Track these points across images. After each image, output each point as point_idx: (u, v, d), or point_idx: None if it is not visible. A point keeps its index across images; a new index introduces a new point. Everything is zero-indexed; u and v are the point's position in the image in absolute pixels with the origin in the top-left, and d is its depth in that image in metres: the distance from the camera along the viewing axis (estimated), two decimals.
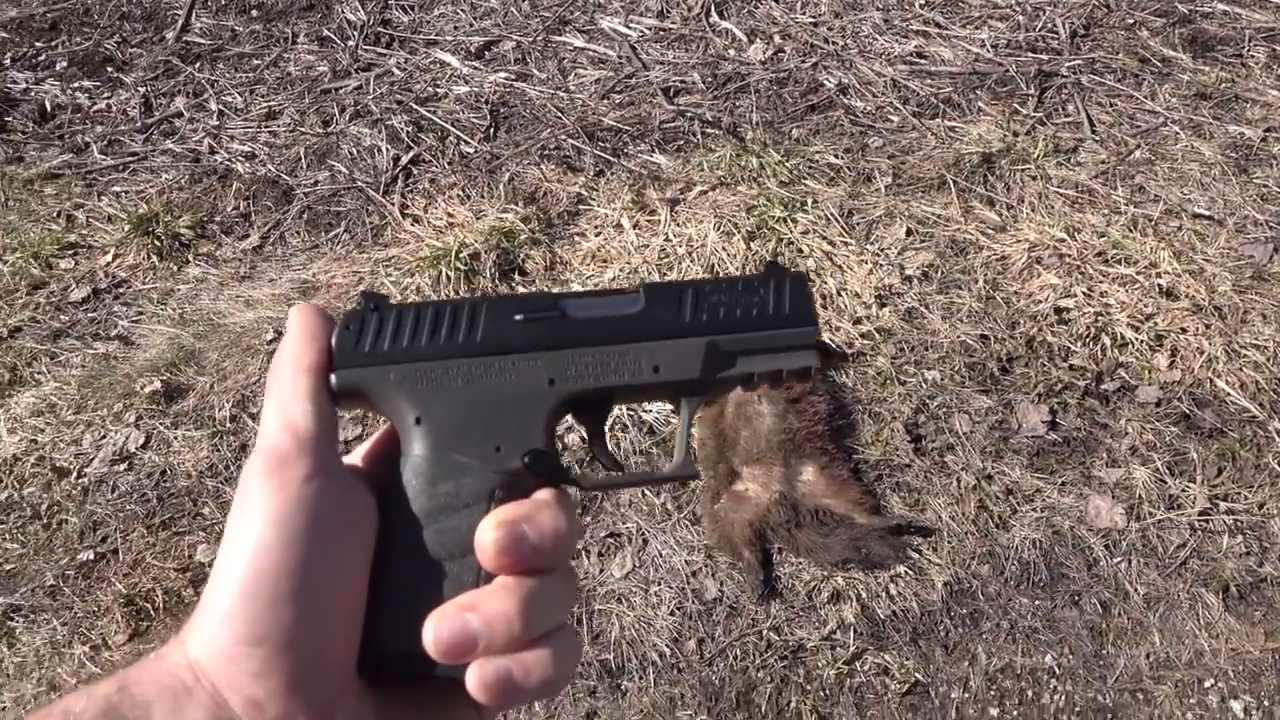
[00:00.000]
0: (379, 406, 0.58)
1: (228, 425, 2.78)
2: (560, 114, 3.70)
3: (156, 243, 3.37)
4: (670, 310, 0.61)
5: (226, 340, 3.02)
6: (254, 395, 2.85)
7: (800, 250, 3.02)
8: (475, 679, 0.51)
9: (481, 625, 0.51)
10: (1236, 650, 2.25)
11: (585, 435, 0.62)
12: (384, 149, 3.65)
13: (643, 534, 2.46)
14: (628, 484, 0.66)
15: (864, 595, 2.34)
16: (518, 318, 0.60)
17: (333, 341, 0.58)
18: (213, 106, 3.97)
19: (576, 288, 3.01)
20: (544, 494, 0.57)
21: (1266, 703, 2.18)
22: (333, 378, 0.57)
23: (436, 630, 0.51)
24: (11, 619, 2.43)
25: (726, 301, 0.62)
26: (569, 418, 0.61)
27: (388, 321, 0.59)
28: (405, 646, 0.53)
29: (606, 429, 0.68)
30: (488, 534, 0.53)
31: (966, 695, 2.23)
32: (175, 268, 3.34)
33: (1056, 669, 2.25)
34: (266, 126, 3.88)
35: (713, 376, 0.61)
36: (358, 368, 0.58)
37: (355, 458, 0.61)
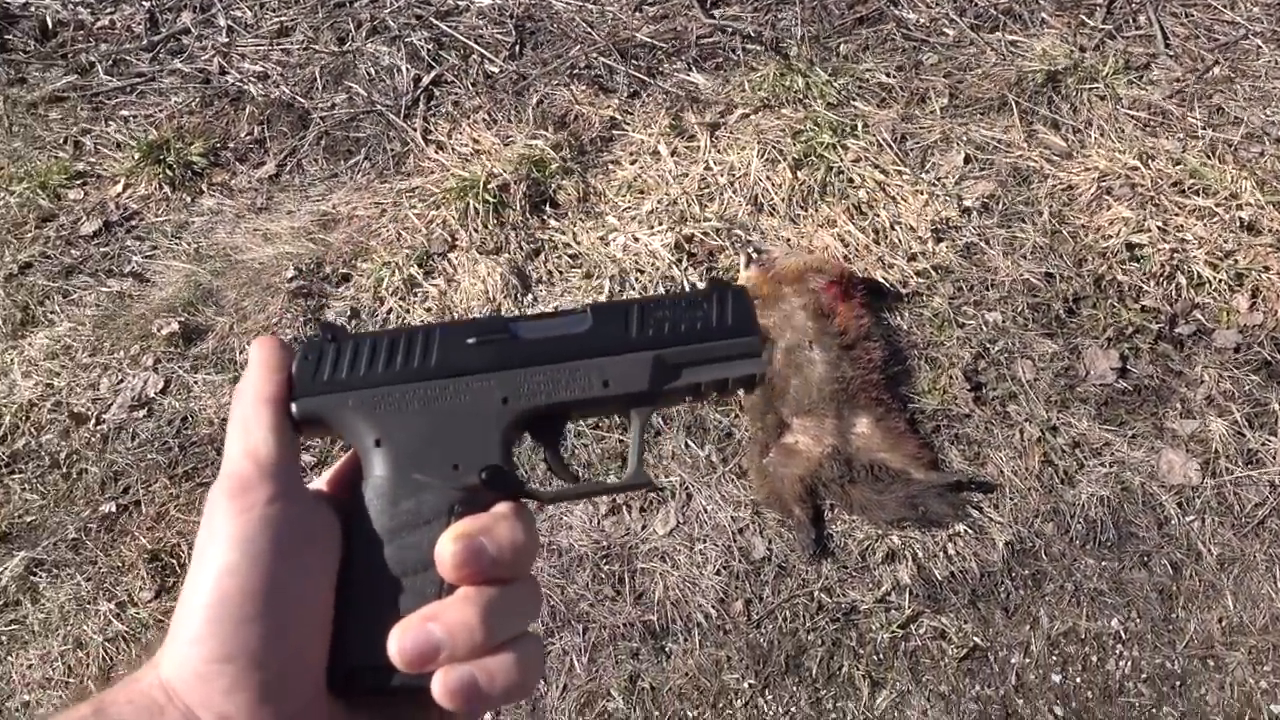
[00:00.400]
0: (339, 432, 0.61)
1: None
2: (590, 29, 3.46)
3: (169, 172, 3.21)
4: (617, 327, 0.64)
5: (245, 277, 2.88)
6: (276, 336, 2.72)
7: (851, 180, 2.82)
8: (440, 686, 0.53)
9: (444, 634, 0.53)
10: None
11: (543, 451, 0.64)
12: (404, 69, 3.44)
13: (686, 488, 2.34)
14: (583, 494, 0.69)
15: (920, 555, 2.22)
16: (470, 341, 0.62)
17: (293, 371, 0.60)
18: (221, 22, 3.76)
19: (611, 220, 2.84)
20: (502, 507, 0.58)
21: None
22: (293, 406, 0.59)
23: (400, 641, 0.53)
24: (34, 574, 2.35)
25: (671, 317, 0.64)
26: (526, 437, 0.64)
27: (345, 350, 0.61)
28: (371, 659, 0.55)
29: (562, 445, 0.71)
30: (446, 547, 0.55)
31: (1027, 660, 2.13)
32: (189, 199, 3.18)
33: (1123, 633, 2.14)
34: (278, 44, 3.66)
35: (660, 388, 0.63)
36: (317, 395, 0.60)
37: (319, 484, 0.63)
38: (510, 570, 0.56)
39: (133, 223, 3.12)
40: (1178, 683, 2.09)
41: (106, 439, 2.56)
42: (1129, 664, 2.11)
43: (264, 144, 3.35)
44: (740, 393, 0.65)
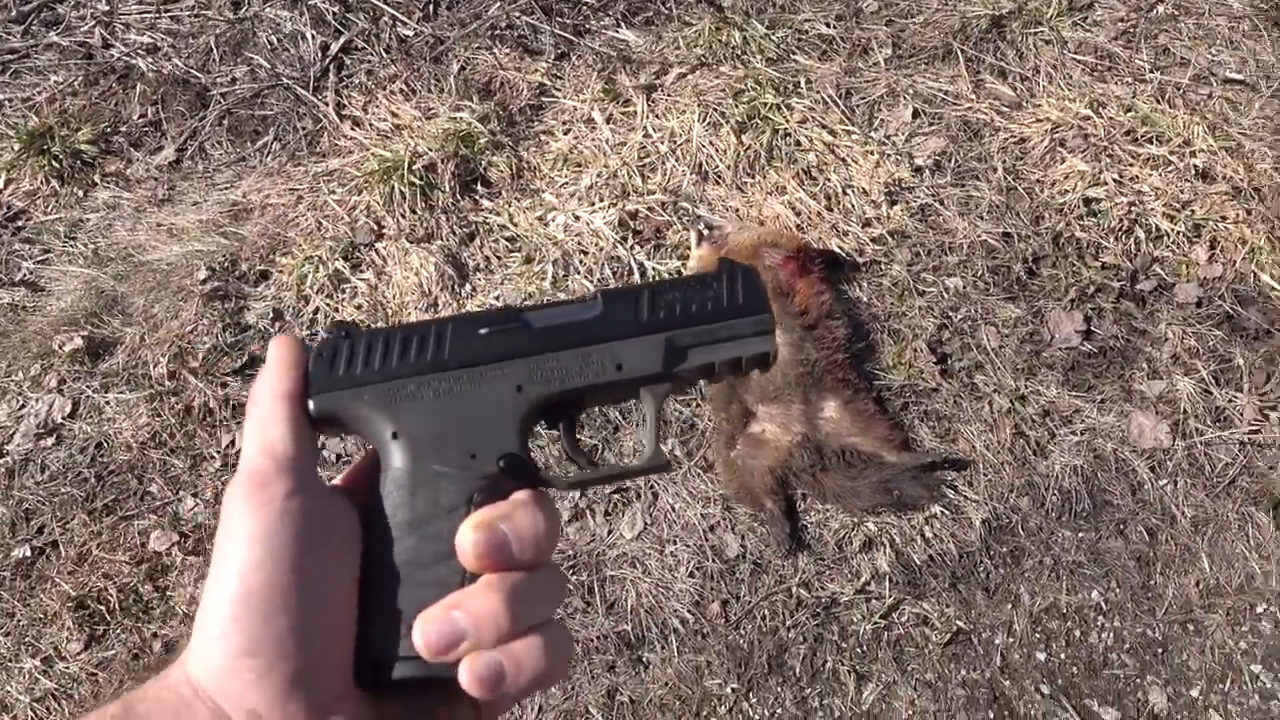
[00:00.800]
0: (356, 427, 0.61)
1: (166, 384, 2.45)
2: None
3: (55, 163, 2.92)
4: (627, 311, 0.64)
5: (152, 281, 2.64)
6: (192, 346, 2.50)
7: (799, 143, 2.68)
8: (468, 674, 0.53)
9: (468, 622, 0.53)
10: None
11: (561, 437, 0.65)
12: (309, 35, 3.17)
13: (651, 487, 2.23)
14: (602, 479, 0.70)
15: (898, 541, 2.16)
16: (482, 331, 0.62)
17: (309, 368, 0.60)
18: None
19: (549, 197, 2.67)
20: (521, 495, 0.58)
21: None
22: (310, 403, 0.60)
23: (424, 631, 0.53)
24: None
25: (681, 298, 0.65)
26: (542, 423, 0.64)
27: (359, 346, 0.62)
28: (397, 651, 0.55)
29: (577, 430, 0.69)
30: (467, 536, 0.55)
31: (1011, 640, 2.09)
32: (80, 193, 2.91)
33: (1104, 604, 2.11)
34: (166, 10, 3.35)
35: (673, 369, 0.63)
36: (334, 391, 0.60)
37: (337, 481, 0.63)
38: (532, 557, 0.56)
39: (19, 223, 2.84)
40: (1159, 650, 2.07)
41: (12, 474, 2.33)
42: (1111, 635, 2.09)
43: (160, 126, 3.07)
44: (755, 372, 0.65)
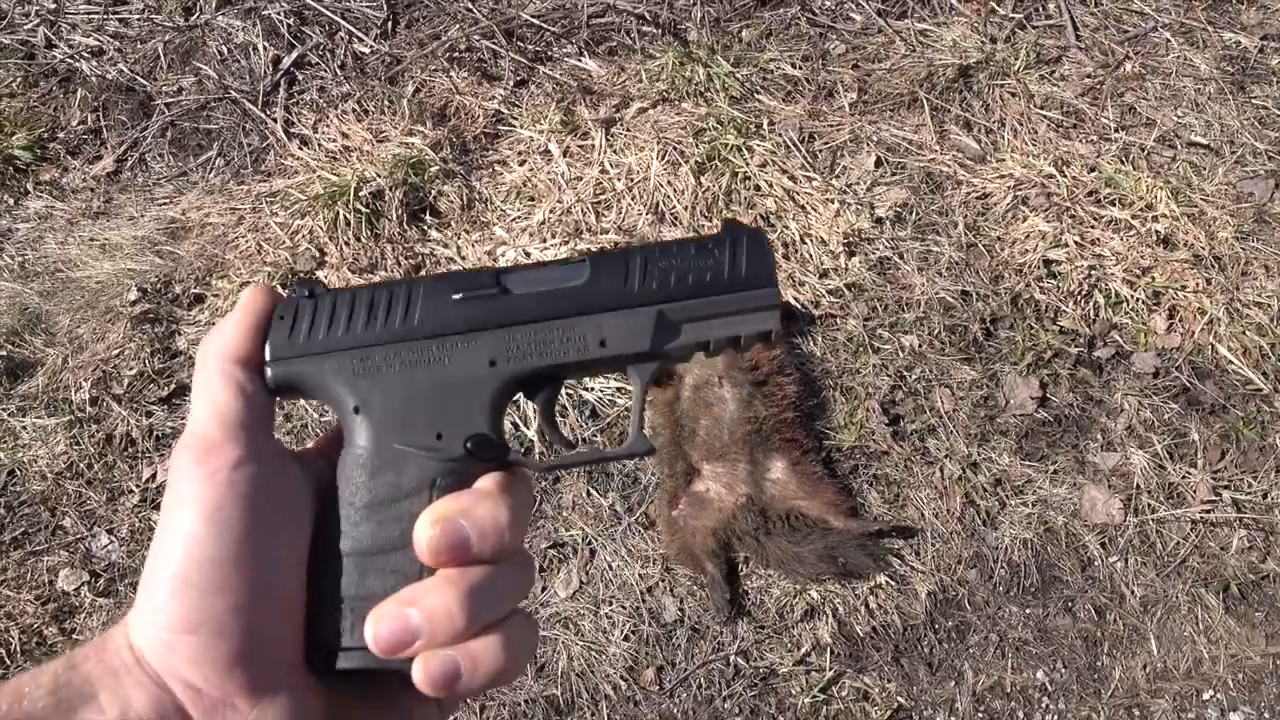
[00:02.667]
0: (318, 396, 0.57)
1: (87, 410, 2.33)
2: (470, 4, 3.14)
3: None
4: (616, 279, 0.58)
5: (80, 300, 2.52)
6: (117, 371, 2.38)
7: (758, 187, 2.62)
8: (420, 672, 0.51)
9: (422, 620, 0.51)
10: (1236, 656, 2.08)
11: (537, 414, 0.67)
12: (260, 47, 3.06)
13: (589, 543, 2.14)
14: (580, 462, 0.64)
15: (841, 610, 2.08)
16: (455, 297, 0.57)
17: (269, 331, 0.56)
18: None
19: (499, 231, 2.58)
20: (486, 483, 0.55)
21: (1267, 713, 2.03)
22: (268, 370, 0.56)
23: (376, 629, 0.51)
24: None
25: (678, 266, 0.59)
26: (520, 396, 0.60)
27: (322, 309, 0.57)
28: (349, 641, 0.53)
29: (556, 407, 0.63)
30: (424, 531, 0.53)
31: (953, 719, 2.02)
32: (11, 200, 2.78)
33: (1049, 685, 2.06)
34: (115, 13, 3.22)
35: (663, 347, 0.58)
36: (293, 359, 0.56)
37: (310, 444, 0.61)
38: (495, 552, 0.53)
39: None
40: None
41: None
42: (1055, 718, 2.03)
43: (100, 135, 2.94)
44: (754, 348, 0.59)
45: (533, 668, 2.02)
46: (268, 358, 0.56)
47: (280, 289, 0.59)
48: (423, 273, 2.52)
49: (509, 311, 0.58)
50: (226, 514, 0.51)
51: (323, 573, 0.54)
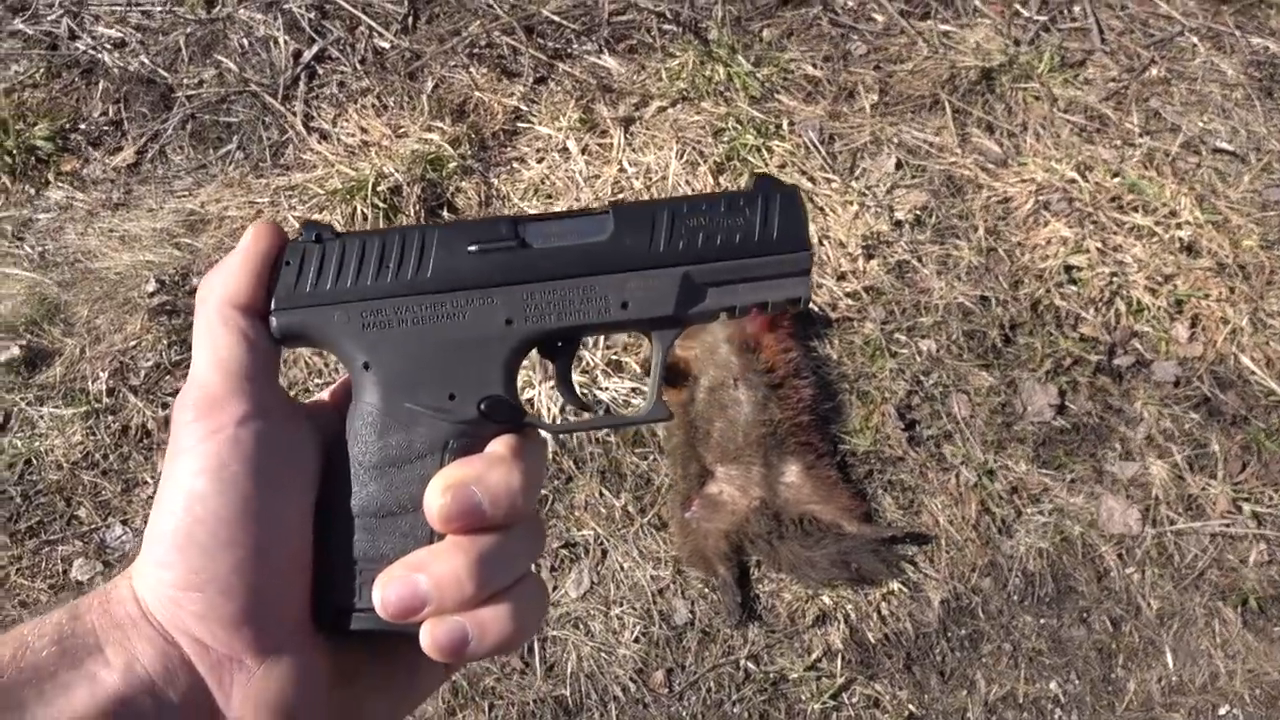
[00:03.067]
0: (326, 347, 0.55)
1: (104, 401, 2.34)
2: (492, 0, 3.14)
3: (8, 159, 2.80)
4: (641, 236, 0.56)
5: (99, 291, 2.53)
6: (134, 363, 2.39)
7: None
8: (428, 638, 0.50)
9: (431, 587, 0.50)
10: (1254, 671, 2.05)
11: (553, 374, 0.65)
12: (282, 41, 3.06)
13: (601, 544, 2.13)
14: (596, 426, 0.60)
15: (853, 616, 2.07)
16: (471, 248, 0.55)
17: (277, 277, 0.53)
18: None
19: None
20: (499, 447, 0.54)
21: None
22: (272, 320, 0.53)
23: (384, 593, 0.51)
24: None
25: (706, 225, 0.56)
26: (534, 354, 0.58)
27: (331, 255, 0.54)
28: (357, 601, 0.52)
29: (573, 368, 0.61)
30: (435, 499, 0.51)
31: None
32: (32, 191, 2.79)
33: (1062, 697, 2.04)
34: (137, 4, 3.23)
35: (687, 311, 0.56)
36: (300, 309, 0.53)
37: (323, 395, 0.59)
38: (506, 518, 0.52)
39: None
40: None
41: None
42: None
43: (121, 126, 2.95)
44: (783, 312, 0.54)
45: (542, 667, 2.02)
46: (273, 306, 0.54)
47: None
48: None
49: (528, 267, 0.55)
50: (232, 471, 0.50)
51: (332, 532, 0.53)
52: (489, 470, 0.52)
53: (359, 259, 0.55)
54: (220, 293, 0.54)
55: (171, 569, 0.50)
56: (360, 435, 0.53)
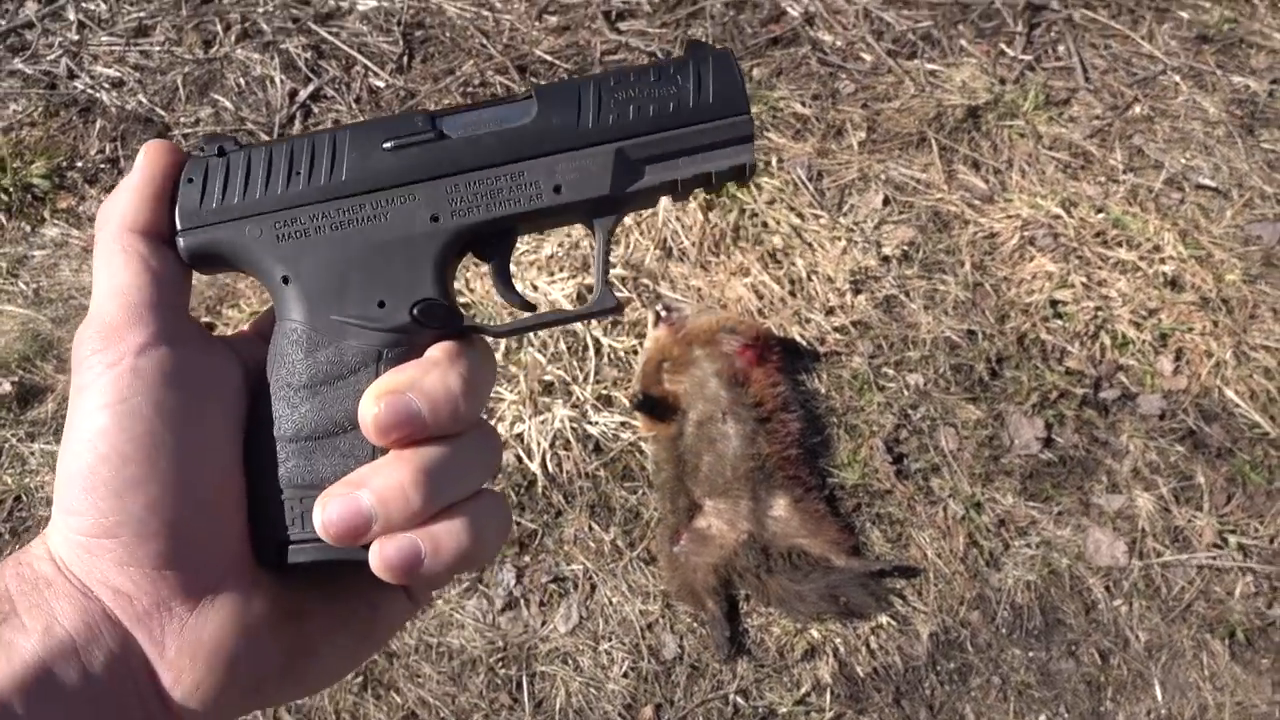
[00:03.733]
0: (242, 268, 0.52)
1: None
2: (485, 40, 3.19)
3: (4, 196, 2.83)
4: (568, 115, 0.53)
5: None
6: None
7: (765, 224, 2.63)
8: (378, 559, 0.47)
9: (374, 502, 0.47)
10: (1242, 704, 2.05)
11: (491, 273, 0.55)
12: (278, 80, 3.11)
13: (590, 578, 2.14)
14: (541, 325, 0.56)
15: (842, 650, 2.07)
16: (386, 145, 0.52)
17: (178, 194, 0.51)
18: (71, 16, 3.35)
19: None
20: (436, 351, 0.51)
21: None
22: (179, 241, 0.50)
23: (325, 513, 0.47)
24: None
25: (636, 96, 0.53)
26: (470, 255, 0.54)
27: (237, 167, 0.51)
28: (298, 533, 0.49)
29: (513, 276, 0.59)
30: (368, 409, 0.48)
31: None
32: (28, 228, 2.82)
33: None
34: (136, 44, 3.29)
35: (625, 190, 0.53)
36: (207, 227, 0.50)
37: (245, 327, 0.56)
38: (450, 423, 0.49)
39: None
40: None
41: None
42: None
43: (117, 164, 2.99)
44: (729, 185, 0.53)
45: (531, 703, 2.02)
46: (178, 226, 0.51)
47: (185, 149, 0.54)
48: None
49: (449, 159, 0.52)
50: (132, 406, 0.47)
51: (263, 462, 0.50)
52: (424, 375, 0.49)
53: (267, 168, 0.51)
54: (117, 219, 0.50)
55: (81, 514, 0.46)
56: (286, 355, 0.51)
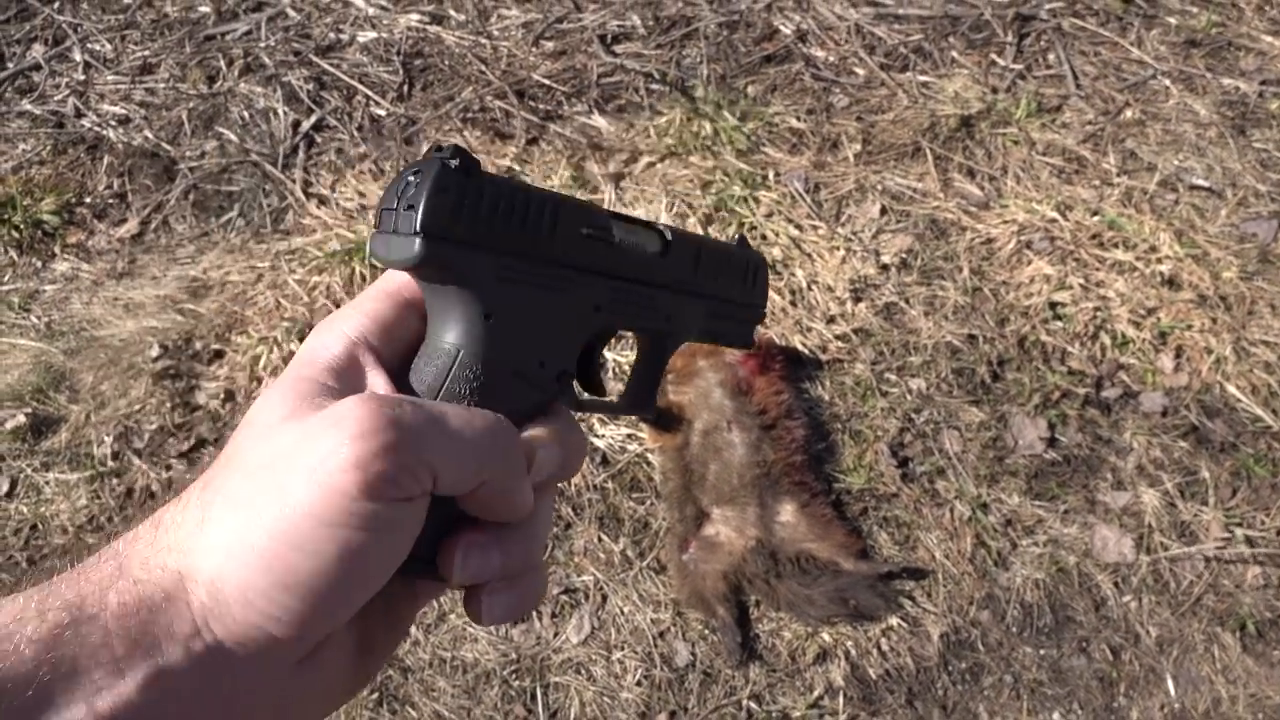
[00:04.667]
0: (450, 285, 0.52)
1: (109, 465, 2.38)
2: (484, 67, 3.25)
3: (15, 233, 2.88)
4: (686, 263, 0.62)
5: (103, 358, 2.58)
6: (138, 426, 2.44)
7: (765, 236, 2.67)
8: (485, 611, 0.50)
9: (501, 563, 0.50)
10: (1256, 696, 2.05)
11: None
12: (281, 112, 3.17)
13: (600, 588, 2.15)
14: (603, 410, 0.63)
15: (853, 653, 2.08)
16: (584, 231, 0.56)
17: (427, 196, 0.50)
18: (77, 57, 3.42)
19: None
20: (565, 414, 0.55)
21: None
22: (415, 242, 0.49)
23: (463, 562, 0.49)
24: None
25: (726, 270, 0.65)
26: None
27: (479, 194, 0.51)
28: (418, 550, 0.49)
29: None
30: (553, 454, 0.52)
31: None
32: (39, 263, 2.86)
33: None
34: (141, 82, 3.35)
35: (698, 331, 0.64)
36: (451, 242, 0.50)
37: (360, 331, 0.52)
38: (560, 480, 0.54)
39: None
40: None
41: None
42: None
43: (125, 199, 3.04)
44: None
45: (546, 713, 2.02)
46: (423, 224, 0.49)
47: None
48: None
49: (617, 263, 0.58)
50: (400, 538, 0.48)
51: None
52: (569, 434, 0.53)
53: (506, 209, 0.52)
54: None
55: (276, 618, 0.42)
56: (454, 386, 0.51)
